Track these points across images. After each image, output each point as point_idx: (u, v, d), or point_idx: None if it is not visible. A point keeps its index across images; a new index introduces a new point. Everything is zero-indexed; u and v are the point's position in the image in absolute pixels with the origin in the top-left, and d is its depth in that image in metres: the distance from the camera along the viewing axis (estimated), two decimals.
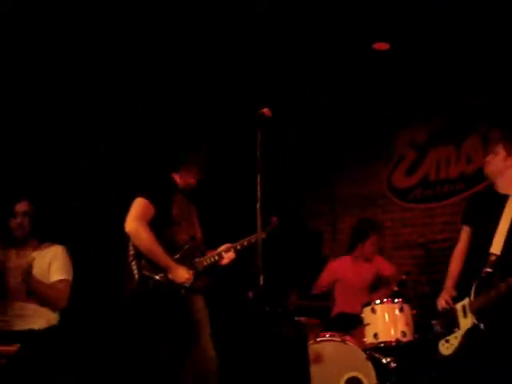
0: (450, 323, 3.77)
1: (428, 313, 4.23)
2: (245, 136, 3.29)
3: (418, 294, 5.25)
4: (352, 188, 7.30)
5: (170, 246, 3.84)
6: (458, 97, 6.22)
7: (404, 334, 4.54)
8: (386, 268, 5.60)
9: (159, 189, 4.02)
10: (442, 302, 3.89)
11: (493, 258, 3.62)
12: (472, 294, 3.65)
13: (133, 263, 3.82)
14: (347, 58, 5.93)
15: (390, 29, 5.44)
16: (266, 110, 3.24)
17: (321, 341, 4.71)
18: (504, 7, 4.92)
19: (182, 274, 3.81)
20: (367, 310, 4.70)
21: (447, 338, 3.76)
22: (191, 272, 3.85)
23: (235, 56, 5.76)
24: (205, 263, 3.99)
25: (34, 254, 4.01)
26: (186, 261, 3.90)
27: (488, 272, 3.60)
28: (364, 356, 4.55)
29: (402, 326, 4.56)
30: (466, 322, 3.67)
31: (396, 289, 4.87)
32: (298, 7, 5.02)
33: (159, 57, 5.60)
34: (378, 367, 4.57)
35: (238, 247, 4.07)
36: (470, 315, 3.64)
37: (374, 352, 4.65)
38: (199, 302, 3.95)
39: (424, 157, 6.80)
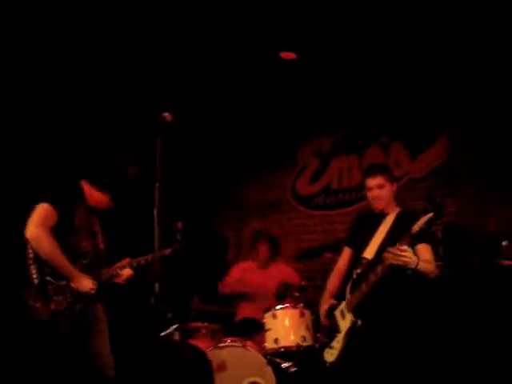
0: (332, 330, 3.84)
1: None
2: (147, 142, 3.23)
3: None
4: (258, 195, 7.37)
5: (72, 254, 3.71)
6: (361, 108, 6.40)
7: (304, 338, 4.63)
8: (288, 274, 5.67)
9: (63, 195, 3.85)
10: (322, 317, 3.98)
11: (364, 261, 3.79)
12: (347, 295, 3.79)
13: (32, 267, 3.66)
14: (254, 66, 5.97)
15: (297, 38, 5.52)
16: (166, 115, 3.20)
17: (222, 346, 4.71)
18: (406, 21, 5.12)
19: (87, 284, 3.70)
20: (268, 315, 4.76)
21: (331, 344, 3.82)
22: (95, 282, 3.75)
23: (142, 62, 5.69)
24: (106, 275, 3.90)
25: None
26: (89, 270, 3.77)
27: (358, 273, 3.76)
28: (264, 361, 4.59)
29: (302, 331, 4.65)
30: (345, 323, 3.76)
31: (297, 294, 4.94)
32: (205, 13, 5.01)
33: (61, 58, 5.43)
34: (279, 372, 4.61)
35: (134, 264, 3.97)
36: (347, 315, 3.75)
37: (275, 357, 4.70)
38: (98, 312, 3.85)
39: (327, 165, 6.97)
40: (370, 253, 3.82)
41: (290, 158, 7.23)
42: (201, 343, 4.85)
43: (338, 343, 3.77)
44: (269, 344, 4.69)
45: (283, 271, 5.68)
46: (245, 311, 5.51)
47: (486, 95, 5.79)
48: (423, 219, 3.38)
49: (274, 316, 4.73)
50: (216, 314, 5.41)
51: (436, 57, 5.59)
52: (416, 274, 3.53)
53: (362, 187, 4.11)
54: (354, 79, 6.09)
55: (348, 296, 3.79)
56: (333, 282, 4.08)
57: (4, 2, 4.60)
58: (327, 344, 3.85)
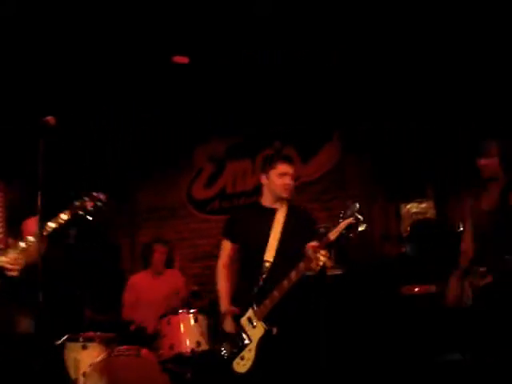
0: (239, 340, 3.63)
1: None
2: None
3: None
4: (153, 199, 7.30)
5: None
6: (254, 113, 6.46)
7: (199, 343, 4.63)
8: (181, 282, 5.67)
9: None
10: (227, 326, 3.72)
11: (267, 264, 3.67)
12: (254, 303, 3.61)
13: None
14: (148, 70, 5.90)
15: (190, 42, 5.51)
16: (49, 119, 3.10)
17: (115, 355, 4.61)
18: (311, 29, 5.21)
19: None
20: (163, 321, 4.73)
21: (241, 354, 3.59)
22: None
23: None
24: None
25: None
26: None
27: (264, 278, 3.65)
28: (160, 368, 4.54)
29: (196, 337, 4.65)
30: (256, 332, 3.58)
31: (191, 300, 4.93)
32: (96, 16, 4.92)
33: None
34: (175, 378, 4.58)
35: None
36: (258, 324, 3.58)
37: (170, 363, 4.66)
38: None
39: (222, 170, 7.01)
40: (270, 255, 3.69)
41: (186, 162, 7.21)
42: (95, 353, 4.73)
43: (249, 353, 3.58)
44: (164, 351, 4.67)
45: (177, 279, 5.67)
46: (140, 319, 5.44)
47: (372, 97, 5.99)
48: (342, 225, 3.28)
49: (169, 322, 4.71)
50: (110, 324, 5.30)
51: (321, 61, 5.70)
52: (322, 275, 3.64)
53: (255, 191, 4.12)
54: (248, 84, 6.15)
55: (255, 304, 3.60)
56: (223, 284, 3.85)
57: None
58: (236, 354, 3.62)
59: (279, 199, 3.80)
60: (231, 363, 3.62)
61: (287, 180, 3.76)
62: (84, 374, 4.42)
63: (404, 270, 4.79)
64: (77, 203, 3.55)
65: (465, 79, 5.47)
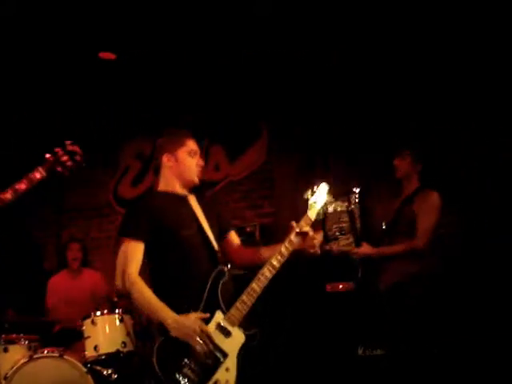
0: (210, 359, 2.74)
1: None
2: None
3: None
4: (79, 197, 7.17)
5: None
6: (181, 111, 6.43)
7: (124, 344, 4.59)
8: (99, 281, 5.66)
9: None
10: (194, 342, 2.73)
11: (219, 256, 3.06)
12: (222, 306, 2.88)
13: None
14: (73, 66, 5.80)
15: (117, 39, 5.44)
16: None
17: (38, 358, 4.51)
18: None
19: None
20: (87, 322, 4.66)
21: (214, 378, 2.72)
22: None
23: None
24: None
25: None
26: None
27: (222, 270, 3.01)
28: (84, 370, 4.47)
29: (122, 337, 4.60)
30: (232, 342, 2.83)
31: (116, 299, 4.87)
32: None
33: None
34: (100, 380, 4.53)
35: None
36: (234, 330, 2.85)
37: (95, 365, 4.60)
38: None
39: (149, 168, 6.93)
40: (215, 244, 3.08)
41: (111, 160, 7.11)
42: (17, 355, 4.62)
43: (227, 372, 2.77)
44: (89, 352, 4.60)
45: (94, 278, 5.66)
46: (63, 320, 5.37)
47: (299, 95, 6.06)
48: (319, 202, 3.08)
49: (94, 323, 4.64)
50: (33, 325, 5.20)
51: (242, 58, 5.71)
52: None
53: None
54: (175, 81, 6.12)
55: (223, 307, 2.87)
56: (150, 292, 2.87)
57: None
58: (205, 380, 2.71)
59: (187, 185, 3.18)
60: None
61: (200, 160, 3.19)
62: (5, 377, 4.32)
63: (329, 267, 4.88)
64: (49, 157, 3.29)
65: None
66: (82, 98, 6.37)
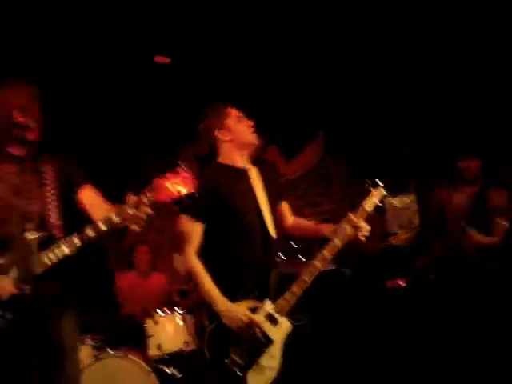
0: (256, 344, 2.85)
1: None
2: None
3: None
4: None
5: None
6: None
7: (187, 343, 4.64)
8: (164, 284, 5.71)
9: None
10: (239, 327, 2.85)
11: (274, 242, 3.04)
12: (272, 295, 2.93)
13: None
14: (128, 70, 5.89)
15: (172, 42, 5.51)
16: None
17: (103, 357, 4.60)
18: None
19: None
20: (150, 321, 4.73)
21: (259, 363, 2.84)
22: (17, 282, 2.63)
23: None
24: (48, 260, 2.68)
25: None
26: (17, 264, 2.65)
27: (276, 260, 3.07)
28: (148, 369, 4.54)
29: (184, 336, 4.66)
30: (279, 331, 2.89)
31: (178, 299, 4.93)
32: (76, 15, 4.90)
33: None
34: (164, 378, 4.58)
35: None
36: (282, 320, 2.90)
37: (159, 363, 4.66)
38: (63, 322, 2.85)
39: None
40: (273, 231, 3.05)
41: (170, 162, 7.17)
42: (82, 355, 4.70)
43: (272, 359, 2.85)
44: (152, 351, 4.67)
45: (161, 281, 5.72)
46: (128, 320, 5.43)
47: (354, 93, 6.01)
48: (377, 195, 3.02)
49: (156, 322, 4.71)
50: (99, 325, 5.29)
51: (304, 59, 5.71)
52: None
53: None
54: (230, 84, 6.15)
55: (272, 295, 2.93)
56: (206, 275, 2.93)
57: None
58: (250, 364, 2.82)
59: (248, 149, 3.17)
60: (244, 376, 2.82)
61: (249, 121, 3.18)
62: None
63: (388, 264, 4.83)
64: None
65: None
66: (141, 101, 6.45)
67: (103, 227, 2.70)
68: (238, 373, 2.80)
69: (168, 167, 6.92)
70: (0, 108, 2.79)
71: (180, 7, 4.87)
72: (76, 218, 2.97)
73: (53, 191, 2.84)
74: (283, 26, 5.16)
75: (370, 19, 5.04)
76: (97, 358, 4.57)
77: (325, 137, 6.37)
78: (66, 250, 2.70)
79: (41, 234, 2.71)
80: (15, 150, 2.83)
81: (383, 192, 3.04)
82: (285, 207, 3.31)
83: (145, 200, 2.70)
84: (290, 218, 3.33)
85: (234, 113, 3.19)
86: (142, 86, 6.21)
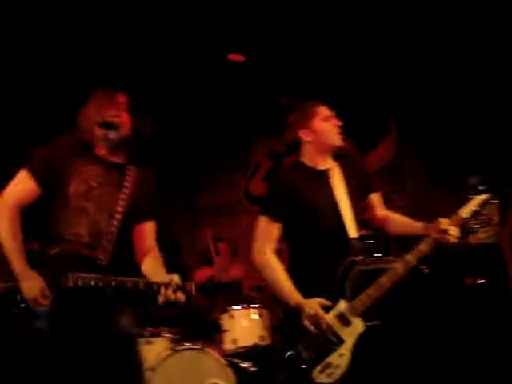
0: (326, 342, 2.87)
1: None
2: None
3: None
4: (211, 197, 7.37)
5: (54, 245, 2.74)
6: None
7: (262, 338, 4.65)
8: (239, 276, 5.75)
9: (44, 153, 2.86)
10: (310, 324, 2.87)
11: (355, 243, 3.01)
12: (347, 296, 2.92)
13: None
14: (203, 69, 5.97)
15: (245, 40, 5.55)
16: None
17: (180, 350, 4.68)
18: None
19: (30, 287, 2.61)
20: (225, 316, 4.77)
21: (326, 361, 2.84)
22: (47, 289, 2.62)
23: None
24: (84, 282, 2.64)
25: None
26: (63, 269, 2.66)
27: (354, 260, 2.97)
28: (224, 362, 4.59)
29: (259, 331, 4.67)
30: (351, 331, 2.88)
31: (254, 294, 4.96)
32: (152, 15, 4.99)
33: None
34: (238, 372, 4.62)
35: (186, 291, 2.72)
36: (354, 320, 2.89)
37: (234, 358, 4.70)
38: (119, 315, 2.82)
39: (280, 165, 7.00)
40: (353, 231, 3.02)
41: (242, 159, 7.26)
42: (159, 348, 4.82)
43: (341, 358, 2.84)
44: (227, 345, 4.70)
45: (240, 277, 5.74)
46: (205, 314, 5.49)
47: (430, 90, 5.90)
48: (475, 201, 2.96)
49: (232, 317, 4.74)
50: (176, 318, 5.37)
51: (380, 56, 5.68)
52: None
53: None
54: (305, 80, 6.15)
55: (348, 296, 2.93)
56: (282, 273, 2.99)
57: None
58: (318, 360, 2.86)
59: (331, 150, 3.13)
60: (309, 372, 2.85)
61: (336, 121, 3.13)
62: (149, 369, 4.51)
63: (468, 262, 4.72)
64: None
65: None
66: (214, 99, 6.52)
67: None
68: (306, 369, 2.85)
69: (241, 165, 7.06)
70: (89, 111, 2.87)
71: (254, 5, 4.91)
72: None
73: (126, 198, 2.88)
74: (358, 20, 5.14)
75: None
76: (174, 351, 4.67)
77: (399, 132, 6.27)
78: None
79: None
80: (100, 152, 2.88)
81: (485, 197, 3.00)
82: (375, 198, 3.26)
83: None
84: (379, 210, 3.29)
85: (322, 111, 3.14)
86: (216, 85, 6.30)
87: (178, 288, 2.64)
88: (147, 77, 5.84)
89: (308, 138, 3.12)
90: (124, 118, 2.86)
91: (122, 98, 2.90)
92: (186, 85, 6.19)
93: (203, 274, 5.81)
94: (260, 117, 6.80)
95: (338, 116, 3.21)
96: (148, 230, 2.99)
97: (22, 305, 2.63)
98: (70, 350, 2.65)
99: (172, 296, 2.63)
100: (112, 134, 2.78)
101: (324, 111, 3.14)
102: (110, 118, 2.80)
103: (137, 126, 2.90)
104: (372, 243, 3.19)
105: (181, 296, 2.65)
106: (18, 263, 2.67)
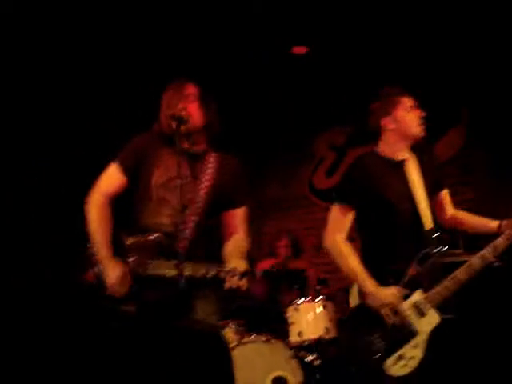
0: (400, 332, 2.86)
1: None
2: None
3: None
4: (276, 190, 7.39)
5: (138, 236, 2.84)
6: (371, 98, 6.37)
7: (327, 330, 4.65)
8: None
9: (131, 146, 2.98)
10: (386, 314, 2.88)
11: (431, 235, 2.98)
12: (424, 287, 2.91)
13: None
14: (266, 62, 5.98)
15: (309, 33, 5.53)
16: None
17: (246, 342, 4.71)
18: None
19: (112, 274, 2.72)
20: (291, 309, 4.79)
21: (399, 352, 2.83)
22: (130, 276, 2.73)
23: None
24: (161, 271, 2.72)
25: None
26: (145, 258, 2.77)
27: (429, 252, 2.95)
28: (289, 354, 4.60)
29: (325, 323, 4.67)
30: (426, 322, 2.85)
31: (318, 287, 4.95)
32: (216, 9, 5.03)
33: None
34: (303, 365, 4.63)
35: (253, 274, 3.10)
36: (430, 312, 2.86)
37: (299, 350, 4.71)
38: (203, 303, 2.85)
39: (343, 158, 6.97)
40: (428, 222, 3.00)
41: (306, 152, 7.25)
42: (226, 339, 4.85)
43: (415, 349, 2.80)
44: (293, 337, 4.72)
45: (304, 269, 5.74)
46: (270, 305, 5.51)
47: (500, 82, 5.75)
48: None
49: (297, 309, 4.76)
50: (241, 310, 5.40)
51: (448, 47, 5.58)
52: None
53: None
54: (369, 71, 6.08)
55: (423, 289, 2.90)
56: (355, 259, 3.01)
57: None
58: (390, 351, 2.84)
59: (413, 141, 3.12)
60: (381, 363, 2.84)
61: (419, 112, 3.10)
62: None
63: None
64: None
65: None
66: (277, 92, 6.53)
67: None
68: (377, 360, 2.83)
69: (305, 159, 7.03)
70: (162, 105, 2.94)
71: None
72: None
73: (208, 186, 2.91)
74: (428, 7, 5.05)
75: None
76: (240, 343, 4.71)
77: (469, 121, 6.13)
78: None
79: None
80: (180, 143, 2.88)
81: None
82: (444, 197, 3.23)
83: None
84: (449, 210, 3.24)
85: (406, 101, 3.11)
86: (280, 78, 6.30)
87: (242, 275, 2.65)
88: (216, 68, 5.90)
89: (390, 127, 3.10)
90: (192, 110, 2.89)
91: (190, 90, 2.94)
92: (250, 79, 6.21)
93: (266, 265, 5.83)
94: (323, 110, 6.76)
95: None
96: (236, 216, 3.00)
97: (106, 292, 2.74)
98: (155, 336, 2.72)
99: (236, 283, 2.65)
100: (182, 127, 2.81)
101: (407, 101, 3.11)
102: (178, 111, 2.84)
103: (209, 116, 2.94)
104: (443, 236, 3.06)
105: (244, 284, 2.66)
106: (103, 251, 2.78)
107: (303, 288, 5.09)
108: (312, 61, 6.02)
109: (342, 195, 3.11)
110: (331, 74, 6.23)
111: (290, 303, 4.83)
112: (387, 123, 3.10)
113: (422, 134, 3.09)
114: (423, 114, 3.10)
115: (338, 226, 3.07)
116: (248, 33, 5.40)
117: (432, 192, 3.12)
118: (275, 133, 7.16)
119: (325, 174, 7.13)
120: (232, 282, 2.65)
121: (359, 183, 3.05)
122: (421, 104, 3.17)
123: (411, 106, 3.10)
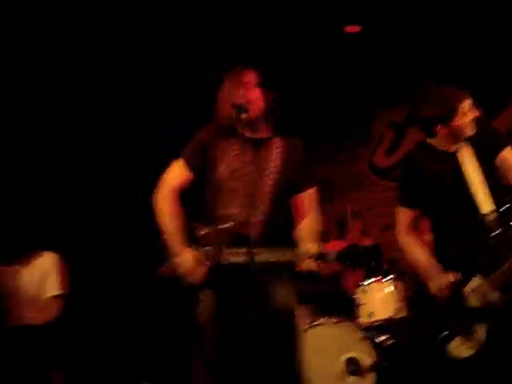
0: (462, 317, 2.92)
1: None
2: None
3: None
4: (335, 170, 7.33)
5: (210, 226, 2.86)
6: (435, 76, 6.25)
7: (398, 310, 4.62)
8: None
9: (195, 141, 3.02)
10: (442, 292, 2.99)
11: (489, 218, 2.95)
12: (483, 272, 2.89)
13: None
14: (320, 41, 5.93)
15: (362, 11, 5.47)
16: None
17: (317, 324, 4.73)
18: None
19: (186, 263, 2.77)
20: (359, 290, 4.77)
21: (463, 335, 2.90)
22: (204, 263, 2.77)
23: None
24: (235, 259, 2.74)
25: None
26: (220, 247, 2.79)
27: (487, 236, 2.92)
28: (360, 336, 4.60)
29: (395, 303, 4.64)
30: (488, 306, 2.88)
31: (385, 266, 4.91)
32: None
33: None
34: (375, 346, 4.61)
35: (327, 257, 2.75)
36: (491, 296, 2.87)
37: (370, 331, 4.70)
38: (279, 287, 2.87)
39: (403, 136, 6.88)
40: (486, 206, 2.96)
41: (365, 131, 7.18)
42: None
43: (477, 333, 2.84)
44: (363, 318, 4.71)
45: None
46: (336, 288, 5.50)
47: None
48: None
49: (365, 291, 4.74)
50: (312, 294, 5.40)
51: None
52: None
53: None
54: (427, 49, 5.97)
55: (482, 274, 2.89)
56: (422, 251, 3.16)
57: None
58: (454, 334, 2.91)
59: (461, 139, 3.05)
60: (445, 345, 2.93)
61: (476, 113, 2.99)
62: None
63: None
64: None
65: None
66: (332, 71, 6.48)
67: None
68: (442, 341, 2.93)
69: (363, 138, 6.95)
70: (222, 95, 2.96)
71: None
72: None
73: (276, 172, 2.91)
74: None
75: None
76: (310, 325, 4.74)
77: None
78: None
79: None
80: (242, 131, 2.92)
81: None
82: (507, 156, 3.05)
83: None
84: None
85: (464, 107, 2.96)
86: (333, 57, 6.25)
87: (318, 257, 2.67)
88: (269, 51, 5.87)
89: (444, 132, 3.03)
90: (252, 96, 2.90)
91: (249, 77, 2.95)
92: (305, 60, 6.18)
93: (333, 246, 5.80)
94: (381, 88, 6.67)
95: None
96: (306, 198, 3.02)
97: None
98: (232, 324, 2.78)
99: (311, 265, 2.70)
100: (243, 115, 2.81)
101: (465, 105, 2.97)
102: (238, 99, 2.85)
103: (269, 101, 2.94)
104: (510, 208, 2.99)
105: (321, 266, 2.71)
106: (175, 243, 2.84)
107: (379, 265, 5.06)
108: (364, 40, 5.95)
109: (402, 201, 3.23)
110: (387, 53, 6.15)
111: (358, 284, 4.81)
112: (441, 129, 3.02)
113: (473, 132, 2.99)
114: (478, 114, 2.98)
115: (405, 224, 3.23)
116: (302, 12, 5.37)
117: (491, 178, 3.02)
118: (331, 113, 7.09)
119: (385, 153, 7.06)
120: (306, 265, 2.67)
121: (413, 182, 3.15)
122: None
123: (469, 109, 2.98)
